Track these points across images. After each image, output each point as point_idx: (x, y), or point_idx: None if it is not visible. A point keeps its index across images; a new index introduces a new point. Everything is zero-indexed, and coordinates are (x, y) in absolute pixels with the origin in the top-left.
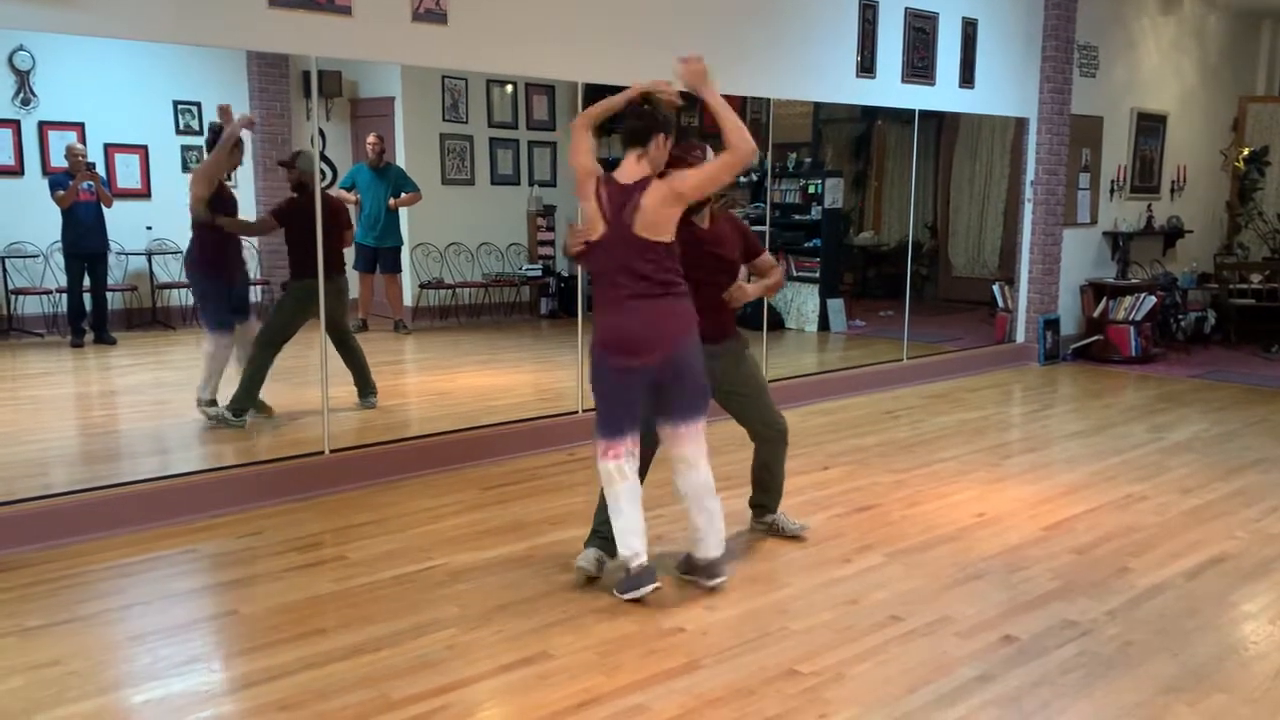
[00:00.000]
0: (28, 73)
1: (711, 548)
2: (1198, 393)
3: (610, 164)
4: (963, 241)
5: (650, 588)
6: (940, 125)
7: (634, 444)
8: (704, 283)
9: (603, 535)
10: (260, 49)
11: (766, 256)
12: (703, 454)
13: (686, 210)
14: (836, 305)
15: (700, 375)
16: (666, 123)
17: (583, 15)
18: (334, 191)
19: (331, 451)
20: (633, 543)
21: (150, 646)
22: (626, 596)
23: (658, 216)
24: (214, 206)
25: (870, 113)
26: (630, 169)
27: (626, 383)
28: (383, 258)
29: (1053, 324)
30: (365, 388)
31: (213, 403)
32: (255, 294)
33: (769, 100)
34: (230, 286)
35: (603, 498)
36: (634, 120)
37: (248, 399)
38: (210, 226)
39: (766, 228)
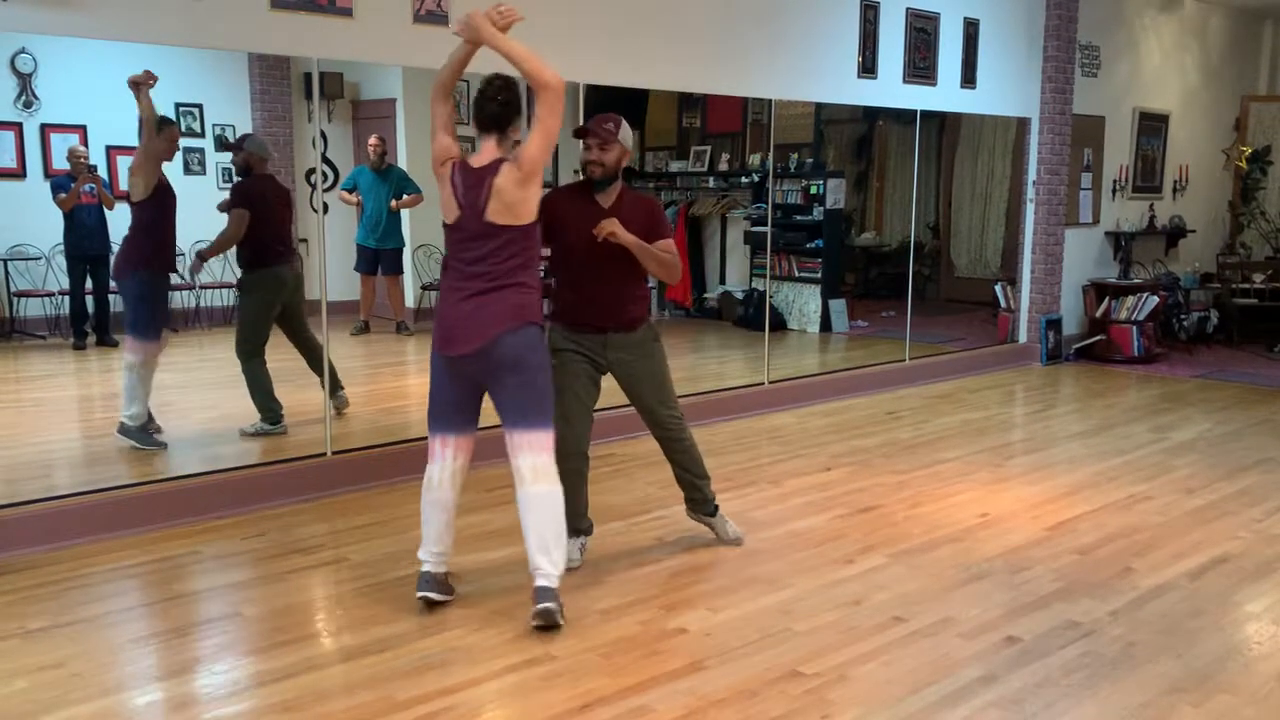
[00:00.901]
0: (29, 75)
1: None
2: (1200, 393)
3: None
4: (965, 242)
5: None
6: (942, 125)
7: (447, 447)
8: (606, 266)
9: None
10: (261, 51)
11: (668, 243)
12: (541, 468)
13: (592, 185)
14: (838, 306)
15: (533, 376)
16: (520, 109)
17: (583, 16)
18: (336, 194)
19: (334, 453)
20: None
21: (153, 648)
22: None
23: (513, 198)
24: (157, 199)
25: (872, 113)
26: (488, 153)
27: (450, 374)
28: (384, 259)
29: (1055, 324)
30: (331, 385)
31: (144, 427)
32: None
33: (771, 101)
34: (168, 286)
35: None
36: (494, 105)
37: (270, 403)
38: (149, 217)
39: (768, 228)
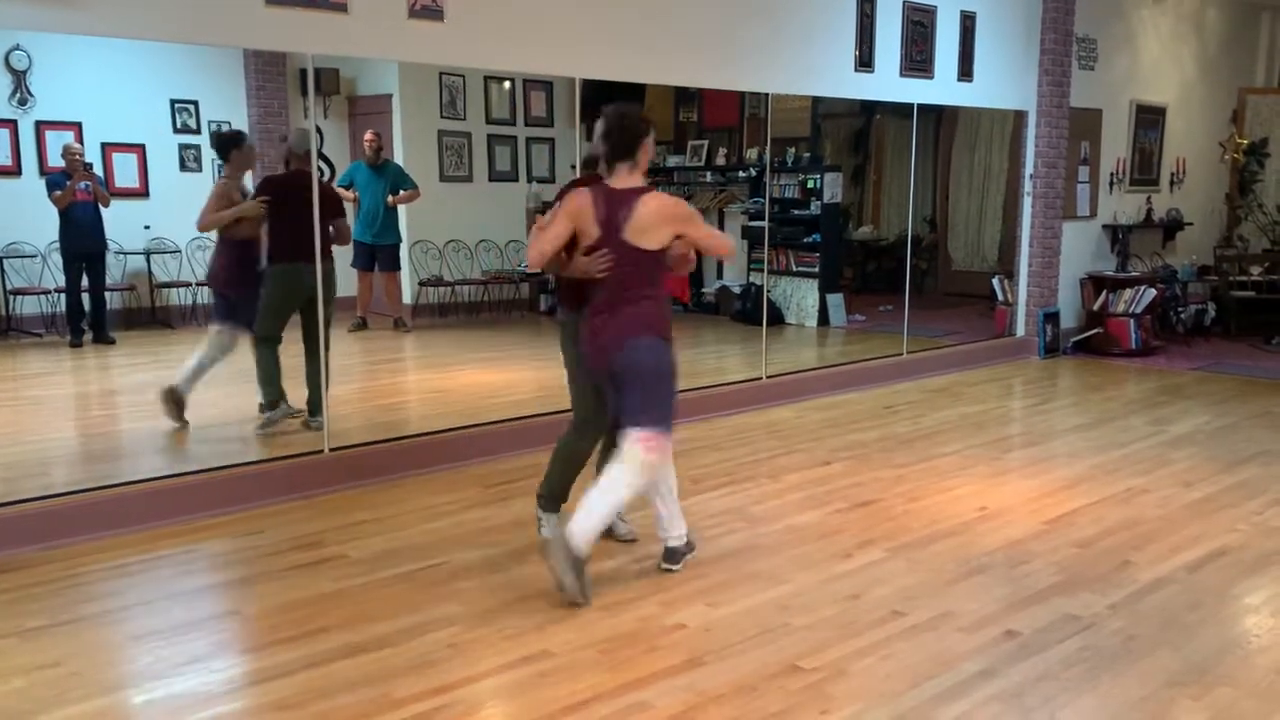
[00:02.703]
0: (24, 72)
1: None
2: (1198, 385)
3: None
4: (962, 235)
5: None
6: (939, 119)
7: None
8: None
9: (548, 495)
10: (257, 47)
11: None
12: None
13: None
14: (836, 300)
15: (650, 380)
16: (648, 126)
17: (580, 11)
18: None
19: (331, 450)
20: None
21: (151, 647)
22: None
23: (649, 223)
24: None
25: (869, 107)
26: (623, 179)
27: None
28: (381, 255)
29: (1053, 317)
30: (313, 402)
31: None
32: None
33: (768, 95)
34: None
35: (554, 462)
36: (618, 135)
37: (268, 388)
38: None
39: (766, 223)
